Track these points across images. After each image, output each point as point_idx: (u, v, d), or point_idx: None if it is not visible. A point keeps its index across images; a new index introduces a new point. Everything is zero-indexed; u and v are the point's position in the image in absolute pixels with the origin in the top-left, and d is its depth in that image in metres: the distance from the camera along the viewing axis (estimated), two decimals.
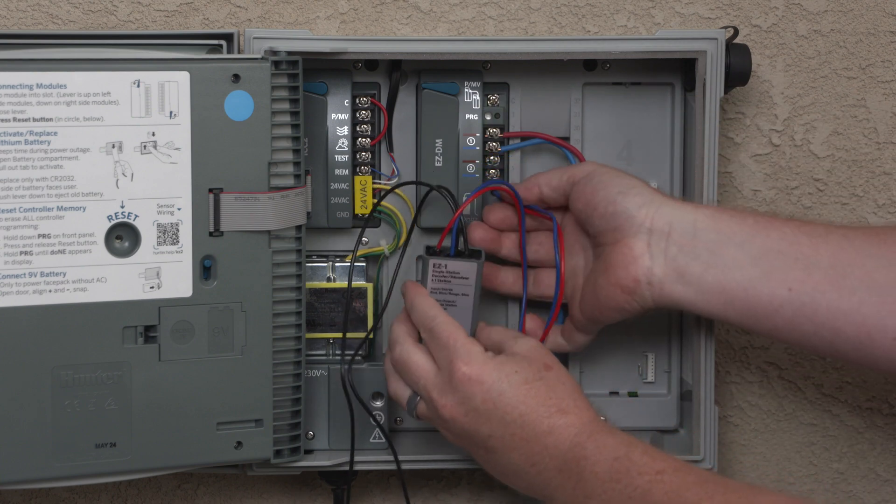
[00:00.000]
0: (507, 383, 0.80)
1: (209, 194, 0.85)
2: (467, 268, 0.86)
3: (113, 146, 0.83)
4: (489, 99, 0.93)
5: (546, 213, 0.90)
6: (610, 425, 0.80)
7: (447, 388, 0.81)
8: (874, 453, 1.01)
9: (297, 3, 0.94)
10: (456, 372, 0.81)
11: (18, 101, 0.81)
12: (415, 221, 0.93)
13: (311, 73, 0.90)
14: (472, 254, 0.87)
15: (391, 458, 0.91)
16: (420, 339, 0.85)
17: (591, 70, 0.94)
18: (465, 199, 0.91)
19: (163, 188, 0.84)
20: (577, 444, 0.77)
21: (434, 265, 0.86)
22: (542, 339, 0.92)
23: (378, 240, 0.94)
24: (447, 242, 0.87)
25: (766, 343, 1.00)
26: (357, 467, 0.92)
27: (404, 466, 0.91)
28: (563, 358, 0.93)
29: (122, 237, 0.84)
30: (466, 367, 0.80)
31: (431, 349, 0.84)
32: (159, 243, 0.84)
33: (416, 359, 0.84)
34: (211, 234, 0.85)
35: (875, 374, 1.00)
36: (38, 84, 0.81)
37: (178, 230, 0.84)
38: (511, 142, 0.94)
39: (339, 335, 0.92)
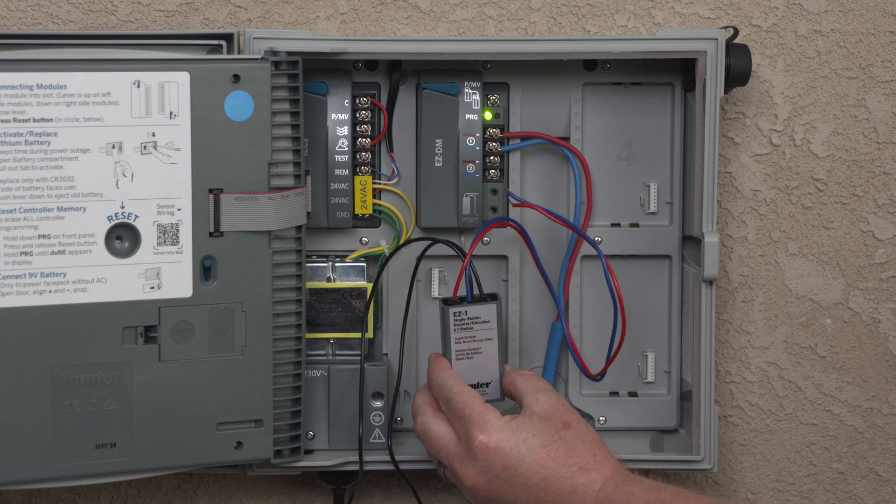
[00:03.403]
0: (525, 448, 0.80)
1: (209, 194, 0.85)
2: (487, 310, 0.86)
3: (113, 146, 0.83)
4: (489, 99, 0.93)
5: (572, 224, 0.90)
6: (633, 474, 0.79)
7: (467, 457, 0.82)
8: (874, 453, 1.01)
9: (297, 3, 0.94)
10: (473, 441, 0.81)
11: (18, 102, 0.81)
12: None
13: (311, 73, 0.90)
14: (489, 297, 0.87)
15: (390, 458, 0.92)
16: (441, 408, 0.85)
17: (591, 70, 0.94)
18: (470, 243, 0.90)
19: (163, 188, 0.84)
20: (604, 499, 0.77)
21: (454, 314, 0.86)
22: (603, 373, 0.91)
23: (378, 240, 0.94)
24: (462, 291, 0.86)
25: (766, 343, 1.00)
26: (356, 468, 0.92)
27: (404, 467, 0.92)
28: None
29: (123, 237, 0.84)
30: (483, 435, 0.80)
31: (450, 419, 0.84)
32: (159, 244, 0.84)
33: (436, 429, 0.84)
34: (211, 234, 0.85)
35: (875, 374, 1.00)
36: (38, 84, 0.81)
37: (178, 230, 0.84)
38: (511, 142, 0.94)
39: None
